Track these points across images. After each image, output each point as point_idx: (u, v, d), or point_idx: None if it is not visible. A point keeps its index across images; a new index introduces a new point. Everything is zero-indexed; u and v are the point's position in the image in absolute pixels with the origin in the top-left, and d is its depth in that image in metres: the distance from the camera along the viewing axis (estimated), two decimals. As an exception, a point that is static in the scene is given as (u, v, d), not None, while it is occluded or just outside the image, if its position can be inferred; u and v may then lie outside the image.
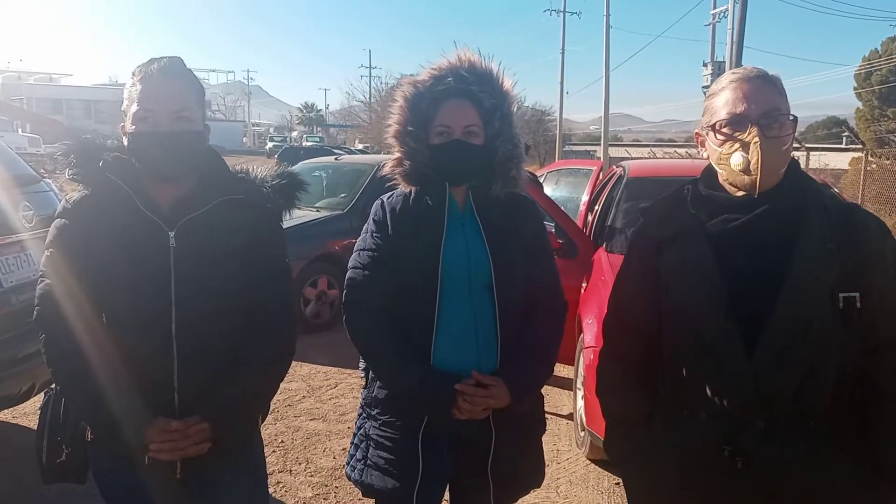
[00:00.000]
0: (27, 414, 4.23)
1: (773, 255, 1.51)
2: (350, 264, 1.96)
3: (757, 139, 1.50)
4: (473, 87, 1.90)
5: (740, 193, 1.58)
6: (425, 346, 1.85)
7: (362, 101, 61.91)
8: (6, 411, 3.95)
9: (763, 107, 1.52)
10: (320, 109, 78.48)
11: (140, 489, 1.73)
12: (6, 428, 4.17)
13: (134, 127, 1.70)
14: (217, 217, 1.75)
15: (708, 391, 1.55)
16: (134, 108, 1.70)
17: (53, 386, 1.87)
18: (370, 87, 62.09)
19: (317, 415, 4.63)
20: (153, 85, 1.70)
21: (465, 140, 1.87)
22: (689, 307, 1.57)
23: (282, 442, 4.17)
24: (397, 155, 1.95)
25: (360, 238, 1.98)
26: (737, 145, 1.54)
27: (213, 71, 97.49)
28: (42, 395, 1.92)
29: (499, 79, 1.93)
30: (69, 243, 1.73)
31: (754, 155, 1.51)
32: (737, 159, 1.54)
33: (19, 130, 35.75)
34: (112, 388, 1.67)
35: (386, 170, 1.97)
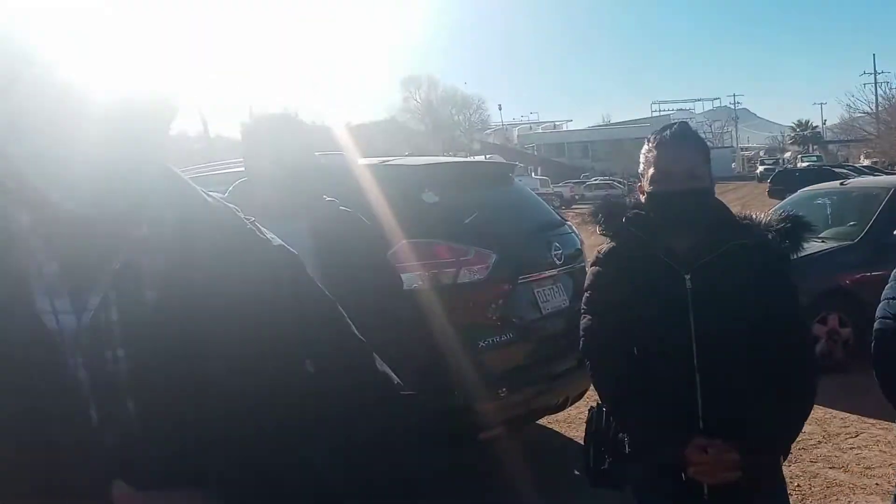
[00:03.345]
0: (559, 422, 4.89)
1: None
2: None
3: None
4: None
5: None
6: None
7: (866, 112, 54.74)
8: (545, 418, 4.59)
9: None
10: (816, 126, 72.12)
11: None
12: (547, 432, 4.86)
13: (652, 187, 1.95)
14: (728, 261, 1.88)
15: None
16: (651, 170, 1.95)
17: (596, 403, 2.18)
18: (876, 94, 54.53)
19: (836, 464, 4.29)
20: (667, 150, 1.93)
21: None
22: None
23: (798, 486, 3.98)
24: None
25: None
26: None
27: (699, 100, 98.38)
28: (586, 411, 2.25)
29: None
30: (603, 286, 2.05)
31: None
32: None
33: (532, 174, 41.78)
34: (650, 410, 1.90)
35: None
